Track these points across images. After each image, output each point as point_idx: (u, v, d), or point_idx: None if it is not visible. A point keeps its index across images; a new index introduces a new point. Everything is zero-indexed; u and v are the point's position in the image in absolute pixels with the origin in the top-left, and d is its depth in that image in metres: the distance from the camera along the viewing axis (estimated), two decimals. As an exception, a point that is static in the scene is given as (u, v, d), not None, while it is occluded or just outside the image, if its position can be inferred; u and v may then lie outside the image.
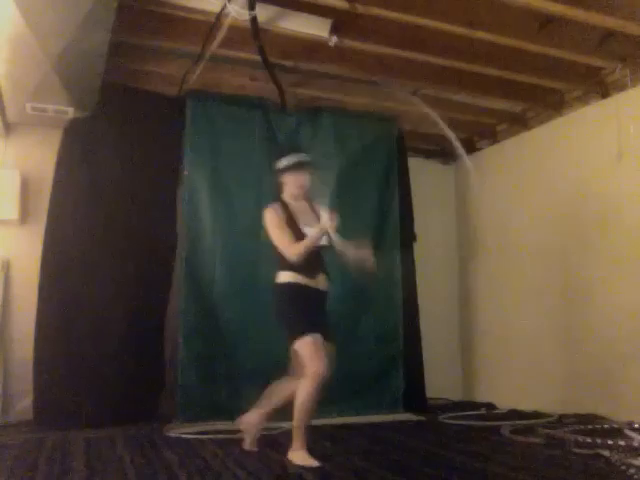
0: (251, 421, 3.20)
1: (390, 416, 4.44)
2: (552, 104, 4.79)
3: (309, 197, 3.16)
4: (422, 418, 4.36)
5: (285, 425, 3.89)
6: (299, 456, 2.86)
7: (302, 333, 2.86)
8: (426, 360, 5.08)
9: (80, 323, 4.06)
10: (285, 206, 3.08)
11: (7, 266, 4.34)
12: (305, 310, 2.95)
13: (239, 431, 3.32)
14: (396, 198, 5.00)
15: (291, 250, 2.93)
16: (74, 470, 2.77)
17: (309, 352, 2.84)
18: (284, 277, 2.98)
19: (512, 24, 3.66)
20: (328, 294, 3.07)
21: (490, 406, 4.85)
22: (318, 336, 2.86)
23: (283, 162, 3.10)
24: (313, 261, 2.98)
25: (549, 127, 4.86)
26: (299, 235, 2.97)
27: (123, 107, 4.31)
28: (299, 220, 3.03)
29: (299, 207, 3.10)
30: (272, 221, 3.00)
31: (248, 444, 3.20)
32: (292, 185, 3.10)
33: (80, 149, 4.21)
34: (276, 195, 3.17)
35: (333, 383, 4.48)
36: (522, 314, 4.96)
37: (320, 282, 3.02)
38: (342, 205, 4.71)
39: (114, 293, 4.15)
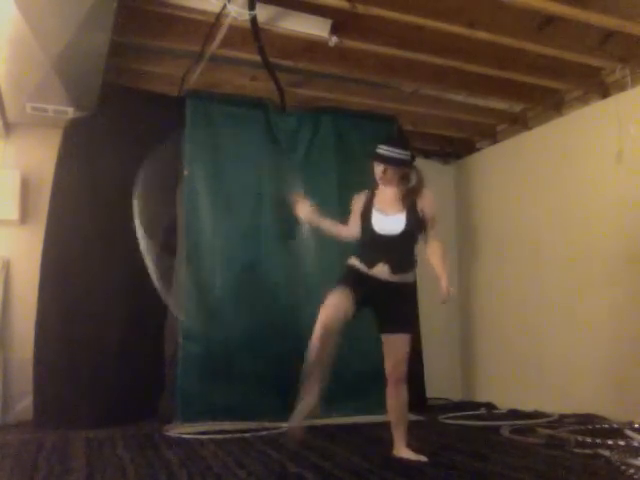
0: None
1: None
2: (552, 104, 4.79)
3: (407, 186, 3.04)
4: (422, 418, 4.36)
5: (285, 425, 3.91)
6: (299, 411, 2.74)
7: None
8: (426, 360, 5.08)
9: (80, 323, 4.06)
10: (372, 193, 3.08)
11: (7, 266, 4.34)
12: (346, 279, 2.95)
13: (239, 431, 3.32)
14: (396, 198, 5.00)
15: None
16: (74, 470, 2.77)
17: (324, 302, 2.81)
18: (349, 259, 3.04)
19: (512, 24, 3.66)
20: (395, 284, 2.97)
21: (490, 406, 4.85)
22: (342, 290, 2.83)
23: (378, 147, 3.06)
24: (376, 250, 2.97)
25: (549, 127, 4.86)
26: (365, 222, 3.01)
27: (123, 107, 4.31)
28: (379, 207, 3.01)
29: (387, 194, 3.05)
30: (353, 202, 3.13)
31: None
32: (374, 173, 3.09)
33: (80, 149, 4.21)
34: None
35: (333, 383, 4.52)
36: (522, 314, 4.96)
37: (379, 271, 2.94)
38: (342, 205, 4.73)
39: (114, 293, 4.15)
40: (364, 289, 2.92)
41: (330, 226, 3.16)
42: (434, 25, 3.59)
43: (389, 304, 2.97)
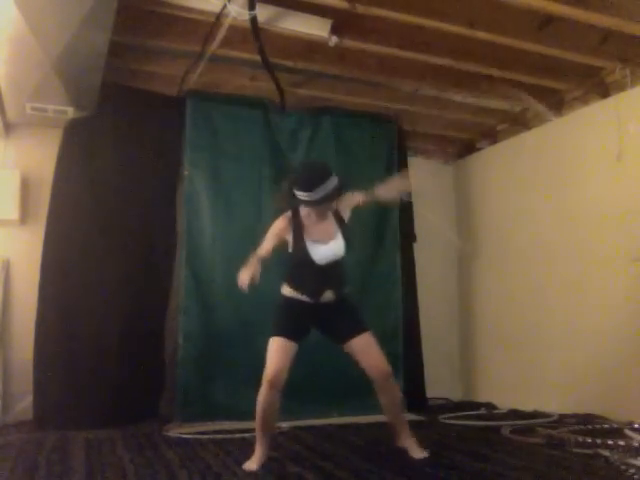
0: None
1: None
2: (552, 104, 4.78)
3: (335, 212, 2.94)
4: (422, 418, 4.36)
5: (285, 425, 3.91)
6: (250, 463, 2.80)
7: (272, 334, 2.85)
8: (426, 360, 5.08)
9: (80, 323, 4.06)
10: (297, 215, 2.91)
11: (7, 266, 4.34)
12: (284, 315, 2.91)
13: (239, 431, 3.32)
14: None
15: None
16: (74, 470, 2.77)
17: (268, 354, 2.83)
18: (282, 288, 2.97)
19: (512, 24, 3.66)
20: (333, 303, 2.93)
21: (490, 406, 4.85)
22: (283, 340, 2.81)
23: (296, 192, 2.79)
24: (319, 280, 2.89)
25: (549, 127, 4.86)
26: (300, 248, 2.86)
27: (123, 107, 4.31)
28: (309, 233, 2.87)
29: (318, 222, 2.90)
30: (271, 227, 2.92)
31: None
32: (302, 210, 2.91)
33: (80, 149, 4.21)
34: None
35: (333, 383, 4.51)
36: (522, 314, 4.96)
37: (324, 298, 2.91)
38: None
39: (114, 293, 4.15)
40: (307, 318, 2.91)
41: (255, 261, 2.78)
42: (434, 25, 3.59)
43: (337, 315, 2.94)
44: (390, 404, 2.97)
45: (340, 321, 2.95)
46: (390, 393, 2.94)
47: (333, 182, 2.77)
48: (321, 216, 2.91)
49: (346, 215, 2.98)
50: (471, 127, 5.54)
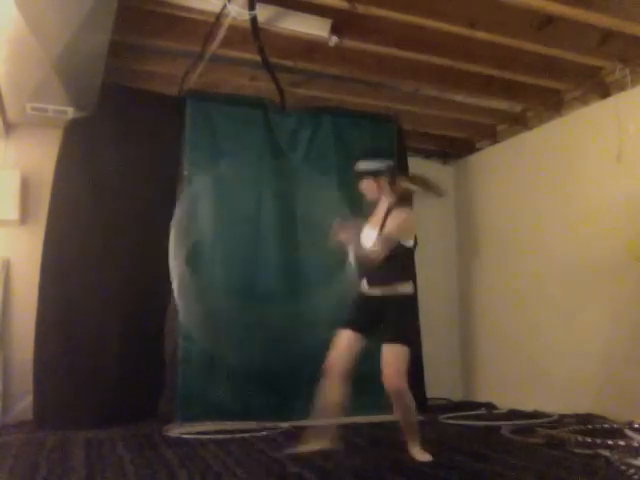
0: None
1: (390, 416, 4.43)
2: (552, 104, 4.78)
3: (392, 201, 3.06)
4: (422, 418, 4.35)
5: (285, 425, 3.91)
6: (302, 449, 2.91)
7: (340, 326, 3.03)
8: (426, 360, 5.08)
9: (80, 323, 4.06)
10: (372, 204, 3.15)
11: (7, 266, 4.34)
12: (352, 308, 3.05)
13: (239, 431, 3.32)
14: (396, 198, 5.00)
15: None
16: (74, 470, 2.77)
17: (332, 345, 2.99)
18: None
19: (512, 24, 3.65)
20: (380, 297, 2.97)
21: (490, 406, 4.85)
22: (344, 331, 2.98)
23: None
24: (360, 265, 3.01)
25: (549, 127, 4.86)
26: (356, 237, 3.03)
27: (123, 107, 4.31)
28: (369, 220, 3.10)
29: (377, 207, 3.13)
30: None
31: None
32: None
33: (80, 149, 4.21)
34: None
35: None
36: (522, 314, 4.96)
37: (363, 286, 3.02)
38: (342, 205, 4.72)
39: (114, 293, 4.15)
40: (363, 311, 3.01)
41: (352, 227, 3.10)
42: (434, 25, 3.59)
43: (379, 316, 2.96)
44: (400, 415, 2.99)
45: (379, 323, 2.97)
46: (400, 407, 2.95)
47: (379, 164, 3.07)
48: (372, 200, 3.12)
49: (389, 228, 2.96)
50: (471, 127, 5.54)
